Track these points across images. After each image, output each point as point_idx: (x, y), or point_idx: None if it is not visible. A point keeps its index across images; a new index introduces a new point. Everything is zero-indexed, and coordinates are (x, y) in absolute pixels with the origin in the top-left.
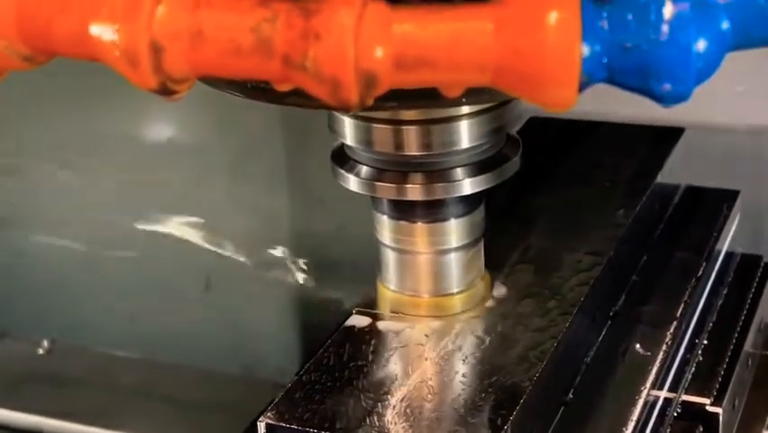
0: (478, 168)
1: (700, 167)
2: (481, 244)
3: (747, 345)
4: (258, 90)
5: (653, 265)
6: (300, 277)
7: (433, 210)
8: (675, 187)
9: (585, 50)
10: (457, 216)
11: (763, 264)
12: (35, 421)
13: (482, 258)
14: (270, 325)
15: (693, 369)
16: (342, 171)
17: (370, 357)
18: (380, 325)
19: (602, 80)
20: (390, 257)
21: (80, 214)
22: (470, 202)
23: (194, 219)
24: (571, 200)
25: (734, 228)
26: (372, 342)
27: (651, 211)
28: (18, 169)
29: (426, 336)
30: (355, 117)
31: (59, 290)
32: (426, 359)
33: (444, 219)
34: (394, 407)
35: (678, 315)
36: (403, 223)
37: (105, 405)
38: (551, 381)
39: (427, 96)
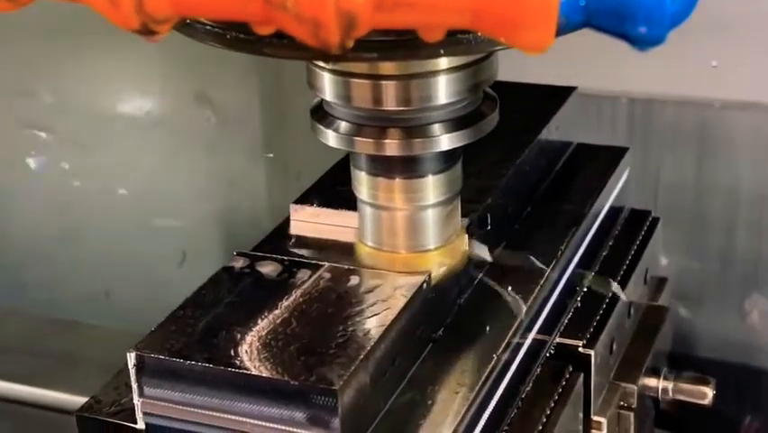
0: (455, 124)
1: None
2: (458, 201)
3: (629, 295)
4: (237, 40)
5: (537, 216)
6: None
7: (410, 166)
8: (567, 143)
9: None
10: (435, 173)
11: (650, 219)
12: None
13: (459, 215)
14: None
15: (571, 314)
16: (321, 127)
17: (245, 295)
18: (259, 266)
19: (579, 23)
20: (368, 213)
21: (56, 188)
22: (447, 158)
23: (171, 193)
24: None
25: (621, 183)
26: (249, 281)
27: (537, 165)
28: None
29: (303, 276)
30: (334, 72)
31: (36, 263)
32: (300, 297)
33: (422, 175)
34: (260, 339)
35: (552, 262)
36: (381, 179)
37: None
38: (419, 318)
39: (406, 47)
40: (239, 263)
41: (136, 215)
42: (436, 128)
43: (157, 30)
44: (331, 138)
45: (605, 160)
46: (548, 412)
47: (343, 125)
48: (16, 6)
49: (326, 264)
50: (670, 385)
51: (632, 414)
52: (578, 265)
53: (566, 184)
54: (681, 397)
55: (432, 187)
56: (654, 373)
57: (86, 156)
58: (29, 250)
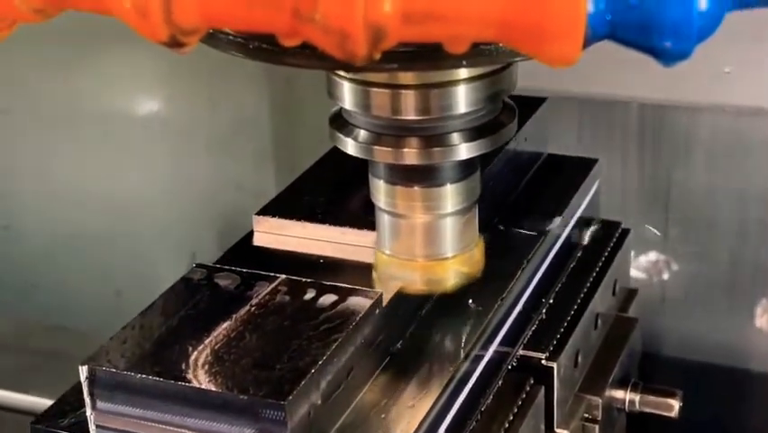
0: (474, 133)
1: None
2: (476, 210)
3: (597, 306)
4: (260, 50)
5: (503, 227)
6: None
7: (429, 175)
8: (536, 154)
9: (590, 6)
10: (453, 182)
11: (620, 230)
12: None
13: (476, 224)
14: None
15: (535, 326)
16: (340, 135)
17: (201, 307)
18: (216, 278)
19: (605, 37)
20: (386, 221)
21: (67, 189)
22: (465, 167)
23: (180, 195)
24: None
25: (591, 194)
26: (206, 293)
27: (504, 176)
28: (2, 138)
29: (260, 289)
30: (354, 81)
31: (48, 263)
32: (256, 310)
33: (441, 184)
34: (212, 352)
35: (517, 274)
36: (399, 187)
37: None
38: (376, 331)
39: (429, 58)
40: (197, 276)
41: (146, 216)
42: (455, 137)
43: (185, 41)
44: (350, 146)
45: (575, 171)
46: (507, 426)
47: (362, 134)
48: (44, 18)
49: (284, 277)
50: (636, 397)
51: (596, 426)
52: (544, 277)
53: (534, 195)
54: (648, 409)
55: (450, 196)
56: (622, 384)
57: (97, 157)
58: (40, 250)
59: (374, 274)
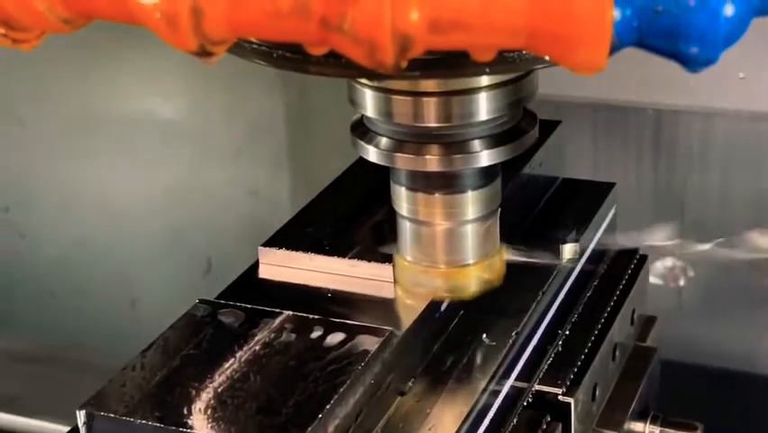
0: (495, 140)
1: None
2: (497, 217)
3: (614, 336)
4: (284, 59)
5: (517, 256)
6: None
7: (450, 182)
8: (551, 179)
9: (616, 13)
10: (474, 188)
11: (638, 257)
12: None
13: (498, 230)
14: None
15: (551, 359)
16: (362, 143)
17: (204, 346)
18: (220, 315)
19: (632, 44)
20: (407, 228)
21: (82, 197)
22: (486, 174)
23: (196, 202)
24: None
25: (607, 220)
26: (209, 331)
27: (518, 202)
28: (19, 146)
29: (265, 327)
30: (376, 89)
31: (64, 271)
32: (261, 349)
33: (462, 191)
34: (216, 396)
35: (533, 305)
36: (420, 194)
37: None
38: (386, 371)
39: (452, 65)
40: (200, 312)
41: (162, 223)
42: (476, 144)
43: (214, 51)
44: (371, 153)
45: (591, 196)
46: None
47: (384, 141)
48: (73, 28)
49: (290, 314)
50: (656, 430)
51: None
52: (560, 308)
53: (549, 222)
54: None
55: (471, 202)
56: (641, 417)
57: (112, 165)
58: (56, 259)
59: (395, 281)
